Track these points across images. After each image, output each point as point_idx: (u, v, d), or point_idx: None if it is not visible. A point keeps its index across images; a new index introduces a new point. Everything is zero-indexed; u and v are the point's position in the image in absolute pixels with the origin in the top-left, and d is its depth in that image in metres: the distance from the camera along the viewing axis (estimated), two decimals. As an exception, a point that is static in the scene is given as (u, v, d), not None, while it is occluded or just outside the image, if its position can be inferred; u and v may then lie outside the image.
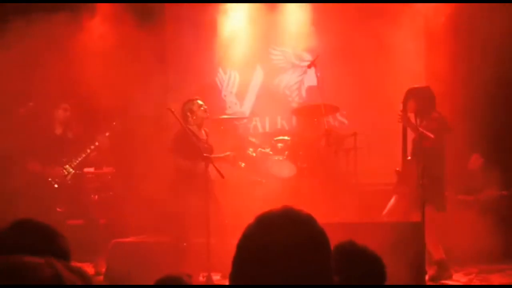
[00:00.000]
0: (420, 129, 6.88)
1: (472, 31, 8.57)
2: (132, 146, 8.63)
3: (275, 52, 10.24)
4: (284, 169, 8.25)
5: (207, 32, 9.84)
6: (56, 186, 7.62)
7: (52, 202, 7.47)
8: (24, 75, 7.71)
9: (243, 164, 8.17)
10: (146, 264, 6.65)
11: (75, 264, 1.64)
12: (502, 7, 8.17)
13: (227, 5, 9.80)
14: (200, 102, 7.43)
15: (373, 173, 8.64)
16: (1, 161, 7.28)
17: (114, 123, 7.93)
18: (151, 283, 3.02)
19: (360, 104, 9.46)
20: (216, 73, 10.45)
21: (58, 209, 7.53)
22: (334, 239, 1.89)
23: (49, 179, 7.61)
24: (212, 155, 7.11)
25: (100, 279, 7.26)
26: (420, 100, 7.04)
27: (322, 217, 1.92)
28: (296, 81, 10.19)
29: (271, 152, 8.35)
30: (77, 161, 7.75)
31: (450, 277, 6.93)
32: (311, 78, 9.55)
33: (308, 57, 9.69)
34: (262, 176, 8.20)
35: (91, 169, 9.03)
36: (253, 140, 8.65)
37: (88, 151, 7.77)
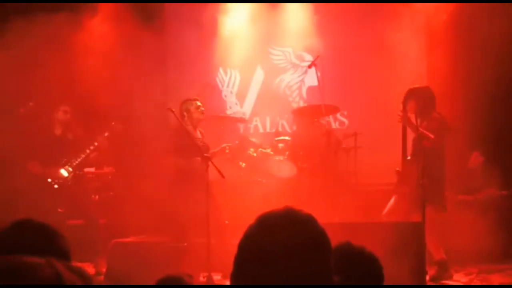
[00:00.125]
0: (420, 129, 6.88)
1: (472, 31, 8.57)
2: (133, 146, 8.62)
3: (276, 52, 10.24)
4: (285, 169, 8.25)
5: (208, 32, 9.84)
6: (56, 186, 7.62)
7: (53, 202, 7.47)
8: (24, 75, 7.71)
9: (243, 164, 8.18)
10: (147, 264, 6.64)
11: (75, 264, 1.64)
12: (502, 7, 8.17)
13: (228, 4, 9.80)
14: (198, 103, 7.44)
15: (374, 173, 8.64)
16: (1, 161, 7.28)
17: (112, 123, 7.92)
18: (152, 283, 3.02)
19: (361, 104, 9.46)
20: (216, 73, 10.45)
21: (59, 210, 7.53)
22: (334, 239, 1.89)
23: (49, 180, 7.62)
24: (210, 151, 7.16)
25: (100, 279, 7.26)
26: (420, 100, 7.03)
27: (323, 217, 1.92)
28: (297, 81, 10.19)
29: (271, 152, 8.35)
30: (77, 162, 7.75)
31: (450, 277, 6.93)
32: (311, 78, 9.56)
33: (309, 57, 9.70)
34: (262, 176, 8.20)
35: (92, 169, 9.04)
36: (254, 140, 8.65)
37: (88, 151, 7.77)
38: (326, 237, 1.74)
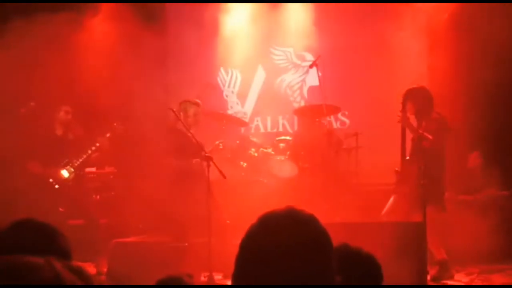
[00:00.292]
0: (419, 130, 6.88)
1: (472, 31, 8.56)
2: (134, 146, 8.62)
3: (277, 52, 10.24)
4: (286, 169, 8.25)
5: (209, 32, 9.83)
6: (57, 186, 7.62)
7: (53, 202, 7.46)
8: (25, 75, 7.70)
9: (244, 164, 8.18)
10: (148, 264, 6.64)
11: (76, 263, 1.63)
12: (502, 7, 8.16)
13: (229, 4, 9.80)
14: (198, 109, 7.45)
15: (375, 173, 8.63)
16: (1, 161, 7.27)
17: (115, 124, 7.92)
18: (153, 283, 3.01)
19: (362, 104, 9.46)
20: (217, 73, 10.45)
21: (60, 209, 7.53)
22: (336, 239, 1.88)
23: (50, 180, 7.61)
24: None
25: (102, 279, 7.25)
26: (417, 101, 7.04)
27: (324, 217, 1.91)
28: (298, 81, 10.19)
29: (272, 152, 8.36)
30: (78, 162, 7.75)
31: (451, 277, 6.93)
32: (312, 78, 9.55)
33: (310, 57, 9.70)
34: (263, 176, 8.20)
35: (93, 169, 9.03)
36: (255, 140, 8.66)
37: (89, 152, 7.77)
38: (328, 237, 1.74)
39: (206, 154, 6.84)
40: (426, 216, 6.24)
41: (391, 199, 7.23)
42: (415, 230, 6.18)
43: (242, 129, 9.81)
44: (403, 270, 5.37)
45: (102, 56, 8.51)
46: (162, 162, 7.26)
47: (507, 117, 8.74)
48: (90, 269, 7.46)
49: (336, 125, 9.87)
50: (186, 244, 7.04)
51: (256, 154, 8.29)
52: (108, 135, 7.84)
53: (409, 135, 7.11)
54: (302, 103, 10.05)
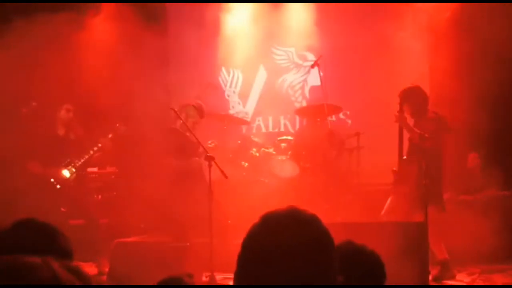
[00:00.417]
0: (416, 130, 6.87)
1: (473, 31, 8.55)
2: (135, 146, 8.61)
3: (278, 51, 10.24)
4: (287, 169, 8.25)
5: (210, 32, 9.83)
6: (58, 186, 7.61)
7: (54, 202, 7.46)
8: (26, 75, 7.69)
9: (246, 164, 8.17)
10: (149, 264, 6.63)
11: (77, 263, 1.63)
12: (502, 7, 8.15)
13: (230, 4, 9.79)
14: (197, 114, 7.49)
15: (376, 173, 8.62)
16: (3, 161, 7.27)
17: (117, 125, 7.91)
18: (154, 282, 3.00)
19: (363, 104, 9.45)
20: (219, 73, 10.45)
21: (62, 209, 7.52)
22: (337, 239, 1.87)
23: (52, 180, 7.61)
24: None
25: (103, 279, 7.25)
26: (412, 101, 7.05)
27: (325, 217, 1.91)
28: (300, 81, 10.19)
29: (274, 152, 8.35)
30: (80, 163, 7.74)
31: (453, 277, 6.92)
32: (314, 78, 9.55)
33: (311, 57, 9.69)
34: (265, 176, 8.20)
35: (95, 169, 9.03)
36: (256, 140, 8.65)
37: (91, 152, 7.76)
38: (330, 237, 1.74)
39: (208, 154, 6.84)
40: (427, 216, 6.24)
41: (390, 199, 7.21)
42: (417, 230, 6.16)
43: (244, 129, 9.81)
44: (404, 270, 5.36)
45: (103, 56, 8.50)
46: (163, 162, 7.26)
47: (507, 117, 8.74)
48: (92, 269, 7.47)
49: (337, 125, 9.84)
50: (188, 244, 7.04)
51: (257, 154, 8.29)
52: (110, 135, 7.83)
53: (406, 135, 7.10)
54: (304, 103, 10.05)
